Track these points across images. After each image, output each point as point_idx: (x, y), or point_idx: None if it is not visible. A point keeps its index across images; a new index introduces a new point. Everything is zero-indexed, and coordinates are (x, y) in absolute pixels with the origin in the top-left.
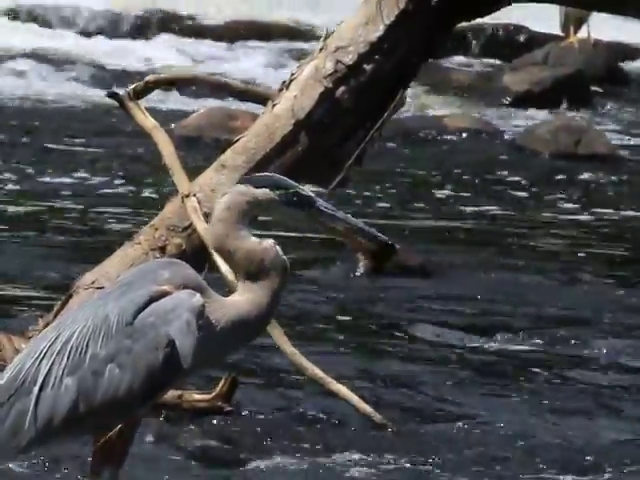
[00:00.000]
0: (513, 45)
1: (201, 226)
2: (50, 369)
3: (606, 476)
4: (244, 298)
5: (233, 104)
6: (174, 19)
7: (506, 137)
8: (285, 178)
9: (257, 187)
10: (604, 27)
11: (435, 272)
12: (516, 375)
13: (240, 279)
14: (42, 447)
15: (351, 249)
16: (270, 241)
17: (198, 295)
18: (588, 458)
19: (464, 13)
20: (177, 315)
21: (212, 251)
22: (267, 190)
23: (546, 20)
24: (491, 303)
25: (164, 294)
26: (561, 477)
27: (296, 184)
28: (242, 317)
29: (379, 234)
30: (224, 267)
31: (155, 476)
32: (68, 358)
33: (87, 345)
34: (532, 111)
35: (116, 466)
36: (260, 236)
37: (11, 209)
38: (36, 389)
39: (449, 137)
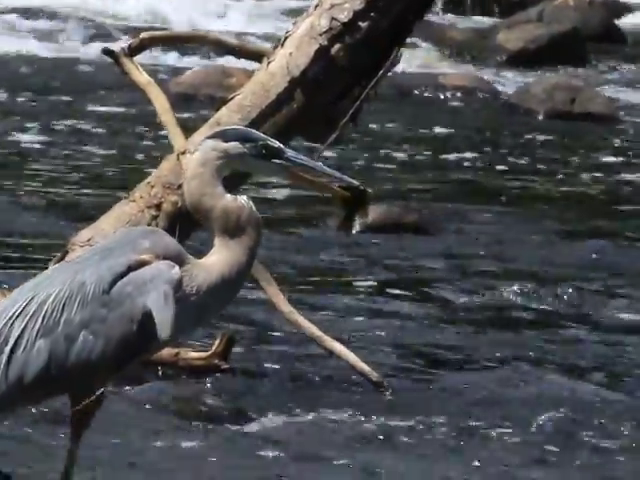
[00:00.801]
0: (507, 2)
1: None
2: (23, 330)
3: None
4: (223, 257)
5: (228, 61)
6: None
7: (501, 96)
8: (253, 130)
9: (226, 141)
10: None
11: (431, 228)
12: (515, 329)
13: (216, 237)
14: (10, 407)
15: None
16: (244, 197)
17: (177, 267)
18: (578, 415)
19: None
20: (154, 286)
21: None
22: (237, 143)
23: None
24: (486, 258)
25: (143, 263)
26: (553, 427)
27: (264, 136)
28: (224, 277)
29: (351, 180)
30: None
31: (151, 434)
32: (42, 320)
33: (62, 309)
34: (527, 69)
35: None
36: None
37: (11, 165)
38: (7, 349)
39: (444, 95)
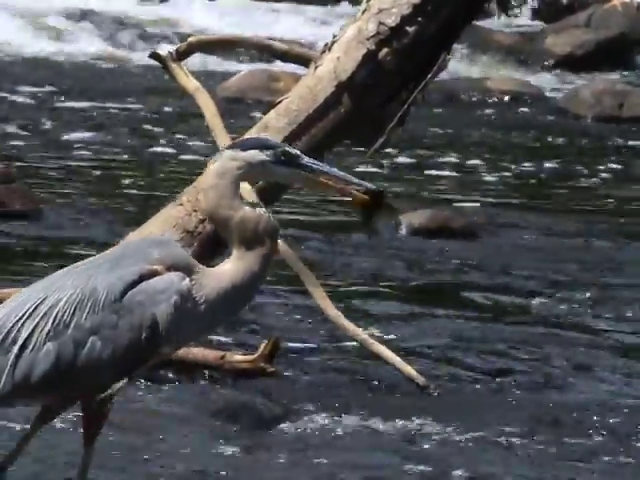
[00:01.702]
0: (555, 7)
1: (244, 187)
2: (33, 331)
3: None
4: (235, 266)
5: (275, 66)
6: None
7: (549, 100)
8: (270, 138)
9: (245, 150)
10: None
11: (478, 233)
12: (565, 337)
13: (233, 246)
14: (14, 405)
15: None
16: (262, 207)
17: (187, 278)
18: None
19: None
20: (166, 297)
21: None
22: (256, 151)
23: None
24: (535, 263)
25: (154, 274)
26: (600, 438)
27: (282, 143)
28: (234, 285)
29: (366, 183)
30: None
31: (196, 437)
32: (52, 323)
33: (73, 313)
34: (574, 74)
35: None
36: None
37: (59, 168)
38: (16, 348)
39: (491, 100)
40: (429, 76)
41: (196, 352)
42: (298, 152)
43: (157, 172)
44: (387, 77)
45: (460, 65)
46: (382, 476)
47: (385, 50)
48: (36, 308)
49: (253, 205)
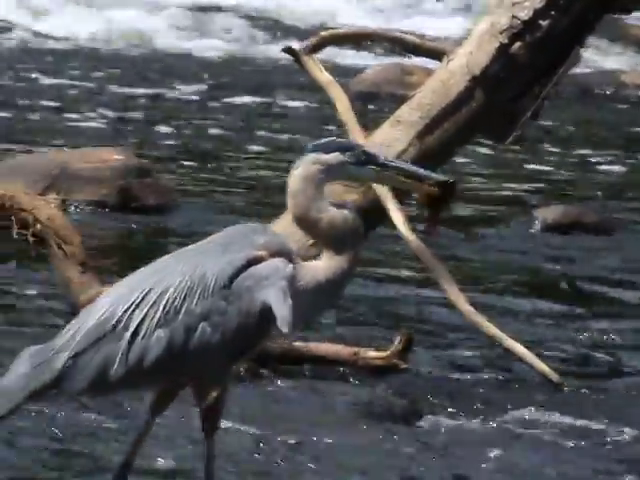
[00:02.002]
0: None
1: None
2: (144, 318)
3: None
4: (327, 263)
5: (409, 59)
6: None
7: None
8: (346, 139)
9: (327, 153)
10: None
11: (613, 230)
12: None
13: (321, 243)
14: (125, 391)
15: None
16: (348, 204)
17: (291, 265)
18: None
19: None
20: (272, 282)
21: (388, 207)
22: (338, 154)
23: None
24: None
25: (260, 259)
26: None
27: (359, 143)
28: (328, 280)
29: (437, 175)
30: (400, 222)
31: (328, 431)
32: (163, 309)
33: (183, 300)
34: None
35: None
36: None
37: (188, 162)
38: (128, 335)
39: (626, 93)
40: (562, 70)
41: (329, 348)
42: (375, 151)
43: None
44: (520, 71)
45: (595, 58)
46: (514, 472)
47: (518, 44)
48: (146, 295)
49: (338, 206)
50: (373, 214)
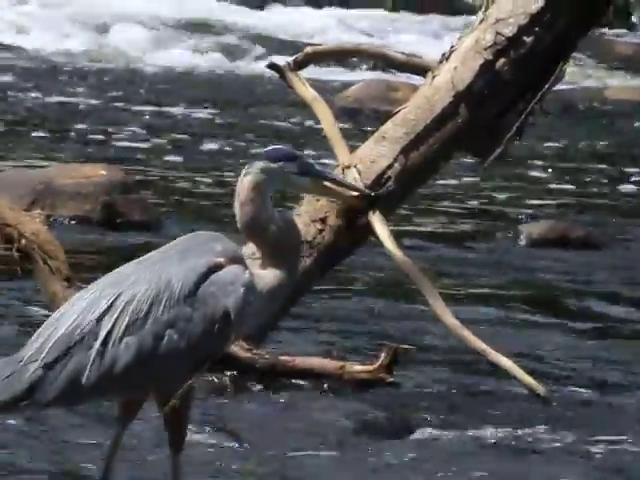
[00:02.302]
0: None
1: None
2: (112, 326)
3: None
4: (272, 271)
5: (394, 76)
6: None
7: None
8: (291, 148)
9: (274, 162)
10: None
11: (599, 245)
12: None
13: (265, 254)
14: (95, 400)
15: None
16: (291, 214)
17: (248, 271)
18: None
19: None
20: (235, 289)
21: (373, 222)
22: (284, 163)
23: None
24: None
25: (219, 266)
26: None
27: (300, 152)
28: (274, 287)
29: (364, 188)
30: (385, 236)
31: (316, 446)
32: (130, 317)
33: (150, 308)
34: None
35: (179, 437)
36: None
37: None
38: (97, 343)
39: (609, 109)
40: (546, 86)
41: (315, 362)
42: (311, 161)
43: None
44: (504, 87)
45: (578, 74)
46: None
47: (502, 60)
48: (113, 303)
49: (284, 215)
50: (358, 227)
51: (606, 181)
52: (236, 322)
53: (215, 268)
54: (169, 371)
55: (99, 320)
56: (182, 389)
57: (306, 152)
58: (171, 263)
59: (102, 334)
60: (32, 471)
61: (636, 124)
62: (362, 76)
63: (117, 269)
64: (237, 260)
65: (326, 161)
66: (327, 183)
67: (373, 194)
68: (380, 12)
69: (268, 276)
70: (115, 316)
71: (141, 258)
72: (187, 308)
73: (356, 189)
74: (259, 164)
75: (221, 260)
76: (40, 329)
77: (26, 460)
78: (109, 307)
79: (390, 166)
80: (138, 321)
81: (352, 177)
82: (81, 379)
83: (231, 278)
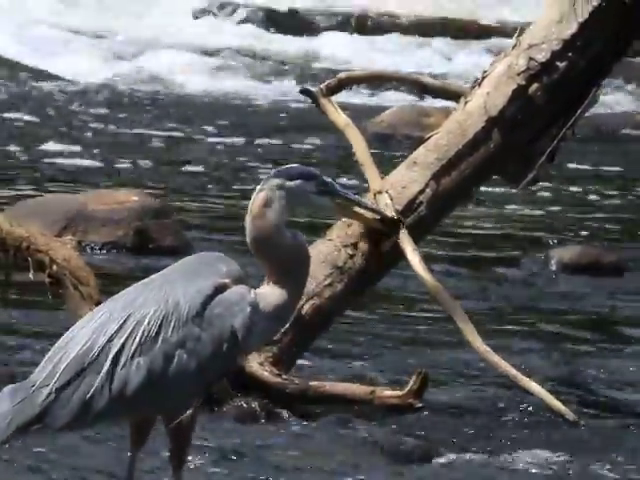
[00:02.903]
0: None
1: None
2: (122, 348)
3: None
4: (278, 289)
5: (426, 101)
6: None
7: None
8: (310, 168)
9: (291, 180)
10: None
11: (630, 270)
12: None
13: (272, 272)
14: (107, 422)
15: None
16: (302, 235)
17: (253, 290)
18: None
19: None
20: (241, 309)
21: (404, 246)
22: (302, 182)
23: None
24: None
25: (225, 287)
26: None
27: (318, 172)
28: (281, 307)
29: (385, 212)
30: (416, 262)
31: (345, 470)
32: (140, 338)
33: (159, 329)
34: None
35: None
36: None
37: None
38: (108, 364)
39: None
40: (579, 111)
41: (346, 388)
42: (332, 181)
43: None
44: (537, 112)
45: (611, 99)
46: None
47: (535, 85)
48: (123, 325)
49: (295, 234)
50: (390, 254)
51: (637, 205)
52: (243, 341)
53: (221, 289)
54: (179, 390)
55: (109, 342)
56: (190, 407)
57: (341, 179)
58: (178, 285)
59: (112, 356)
60: None
61: None
62: (391, 99)
63: (123, 291)
64: (241, 280)
65: (358, 184)
66: (347, 203)
67: (397, 217)
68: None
69: (272, 295)
70: (125, 337)
71: (146, 280)
72: (195, 328)
73: (377, 212)
74: (274, 181)
75: (227, 281)
76: (49, 353)
77: None
78: (119, 329)
79: (422, 191)
80: (148, 342)
81: (384, 202)
82: (93, 402)
83: (236, 298)
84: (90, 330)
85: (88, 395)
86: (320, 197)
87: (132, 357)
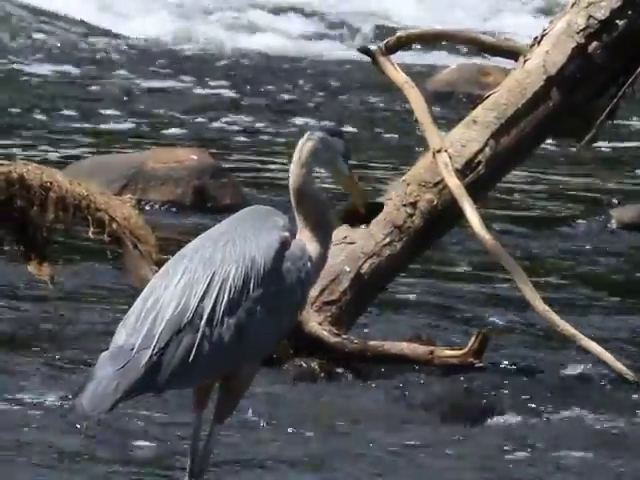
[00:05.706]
0: None
1: (452, 182)
2: (214, 307)
3: None
4: (316, 243)
5: (486, 59)
6: None
7: None
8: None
9: (332, 137)
10: None
11: None
12: None
13: (308, 222)
14: (204, 380)
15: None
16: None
17: (305, 244)
18: None
19: None
20: (304, 263)
21: (464, 207)
22: (339, 140)
23: None
24: None
25: (287, 240)
26: None
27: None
28: (320, 259)
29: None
30: (475, 221)
31: (411, 429)
32: (229, 297)
33: (242, 286)
34: None
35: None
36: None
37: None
38: (203, 325)
39: None
40: (639, 70)
41: (405, 347)
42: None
43: (371, 165)
44: (596, 71)
45: None
46: (585, 473)
47: (594, 44)
48: (209, 284)
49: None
50: (449, 213)
51: None
52: (306, 294)
53: (284, 242)
54: (260, 345)
55: (201, 301)
56: (261, 358)
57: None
58: (249, 240)
59: (206, 316)
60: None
61: None
62: (453, 60)
63: (189, 247)
64: (293, 233)
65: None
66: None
67: (380, 203)
68: None
69: (313, 247)
70: (214, 297)
71: (207, 234)
72: (271, 285)
73: (361, 195)
74: (320, 134)
75: (287, 234)
76: (135, 315)
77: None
78: (207, 288)
79: (481, 150)
80: (235, 300)
81: (443, 161)
82: (193, 361)
83: (300, 253)
84: (179, 290)
85: (190, 355)
86: (343, 162)
87: (223, 315)
